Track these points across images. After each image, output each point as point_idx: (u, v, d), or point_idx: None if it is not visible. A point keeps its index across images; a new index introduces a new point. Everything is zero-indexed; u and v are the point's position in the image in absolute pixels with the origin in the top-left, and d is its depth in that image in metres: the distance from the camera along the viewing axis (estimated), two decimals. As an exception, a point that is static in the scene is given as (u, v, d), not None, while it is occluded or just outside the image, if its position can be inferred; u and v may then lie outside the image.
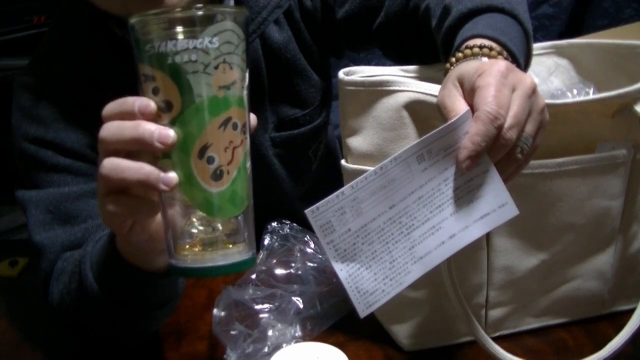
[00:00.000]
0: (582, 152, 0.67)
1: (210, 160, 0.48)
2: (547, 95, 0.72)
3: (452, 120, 0.52)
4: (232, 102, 0.48)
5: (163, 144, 0.47)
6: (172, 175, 0.48)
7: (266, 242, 0.83)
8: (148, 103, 0.48)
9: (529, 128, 0.53)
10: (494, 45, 0.58)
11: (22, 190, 0.78)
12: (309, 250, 0.83)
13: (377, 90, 0.65)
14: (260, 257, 0.82)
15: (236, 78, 0.48)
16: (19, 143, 0.78)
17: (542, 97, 0.54)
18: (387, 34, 0.84)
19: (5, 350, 0.80)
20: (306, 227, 0.80)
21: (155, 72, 0.47)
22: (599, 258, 0.72)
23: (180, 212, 0.50)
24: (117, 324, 0.70)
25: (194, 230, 0.51)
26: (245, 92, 0.50)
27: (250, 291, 0.76)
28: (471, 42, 0.59)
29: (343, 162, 0.69)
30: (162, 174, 0.48)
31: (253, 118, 0.52)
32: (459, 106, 0.53)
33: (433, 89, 0.63)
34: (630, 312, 0.64)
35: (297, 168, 0.94)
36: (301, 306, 0.75)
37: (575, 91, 0.73)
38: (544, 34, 1.70)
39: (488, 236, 0.68)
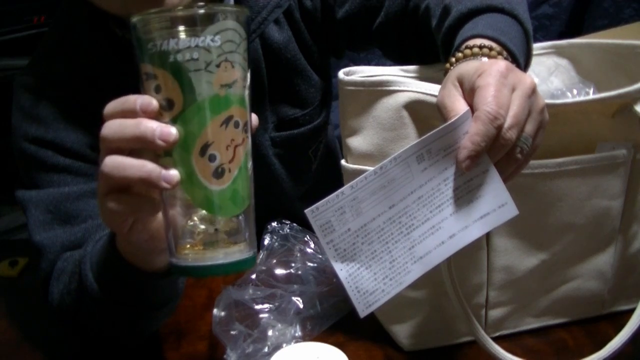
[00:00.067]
0: (582, 152, 0.67)
1: (212, 158, 0.48)
2: (547, 95, 0.72)
3: (452, 120, 0.52)
4: (233, 100, 0.48)
5: (165, 141, 0.47)
6: (174, 173, 0.48)
7: (266, 242, 0.83)
8: (150, 101, 0.48)
9: (529, 128, 0.53)
10: (493, 45, 0.58)
11: (22, 190, 0.78)
12: (309, 250, 0.83)
13: (377, 90, 0.65)
14: (260, 257, 0.82)
15: (238, 77, 0.48)
16: (19, 143, 0.78)
17: (542, 97, 0.54)
18: (387, 34, 0.84)
19: (5, 350, 0.80)
20: (306, 227, 0.80)
21: (157, 70, 0.47)
22: (599, 258, 0.72)
23: (182, 211, 0.50)
24: (117, 324, 0.70)
25: (195, 230, 0.51)
26: (246, 92, 0.50)
27: (250, 291, 0.76)
28: (471, 42, 0.59)
29: (343, 162, 0.69)
30: (163, 172, 0.48)
31: (254, 118, 0.52)
32: (459, 106, 0.53)
33: (433, 89, 0.63)
34: (630, 312, 0.64)
35: (297, 168, 0.94)
36: (301, 306, 0.75)
37: (575, 91, 0.73)
38: (544, 34, 1.70)
39: (488, 236, 0.68)
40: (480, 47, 0.57)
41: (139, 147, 0.49)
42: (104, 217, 0.54)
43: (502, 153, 0.52)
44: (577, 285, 0.73)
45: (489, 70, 0.52)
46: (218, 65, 0.47)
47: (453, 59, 0.59)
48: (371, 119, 0.65)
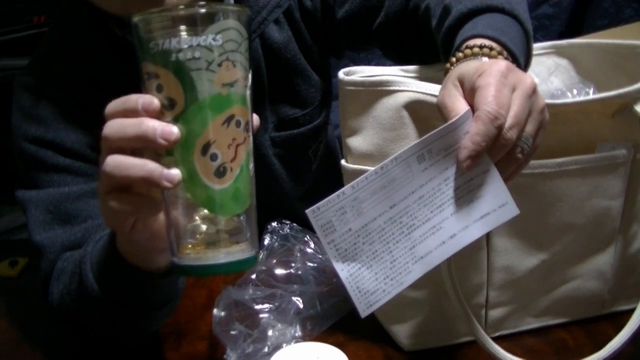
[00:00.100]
0: (582, 152, 0.67)
1: (214, 157, 0.48)
2: (547, 95, 0.72)
3: (453, 120, 0.52)
4: (235, 99, 0.48)
5: (166, 140, 0.47)
6: (175, 172, 0.48)
7: (266, 242, 0.83)
8: (151, 100, 0.48)
9: (529, 128, 0.53)
10: (494, 45, 0.58)
11: (22, 190, 0.78)
12: (309, 250, 0.83)
13: (377, 90, 0.65)
14: (260, 257, 0.82)
15: (239, 76, 0.48)
16: (19, 143, 0.78)
17: (542, 97, 0.55)
18: (387, 34, 0.84)
19: (5, 350, 0.80)
20: (306, 227, 0.80)
21: (158, 69, 0.47)
22: (599, 258, 0.72)
23: (183, 210, 0.50)
24: (117, 324, 0.70)
25: (197, 229, 0.51)
26: (248, 92, 0.50)
27: (250, 291, 0.76)
28: (471, 42, 0.59)
29: (343, 162, 0.69)
30: (165, 171, 0.48)
31: (256, 118, 0.53)
32: (459, 106, 0.53)
33: (433, 89, 0.63)
34: (630, 312, 0.64)
35: (297, 168, 0.94)
36: (301, 306, 0.75)
37: (575, 91, 0.73)
38: (544, 34, 1.70)
39: (488, 236, 0.68)
40: (481, 47, 0.57)
41: (141, 146, 0.49)
42: (105, 216, 0.54)
43: (502, 153, 0.52)
44: (577, 285, 0.73)
45: (490, 70, 0.52)
46: (220, 65, 0.47)
47: (453, 59, 0.59)
48: (371, 119, 0.65)
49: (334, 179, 0.71)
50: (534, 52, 0.68)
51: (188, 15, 0.46)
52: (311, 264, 0.81)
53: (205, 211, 0.50)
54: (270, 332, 0.71)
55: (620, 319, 0.69)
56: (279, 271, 0.80)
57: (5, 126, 0.82)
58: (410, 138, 0.65)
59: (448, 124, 0.52)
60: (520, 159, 0.53)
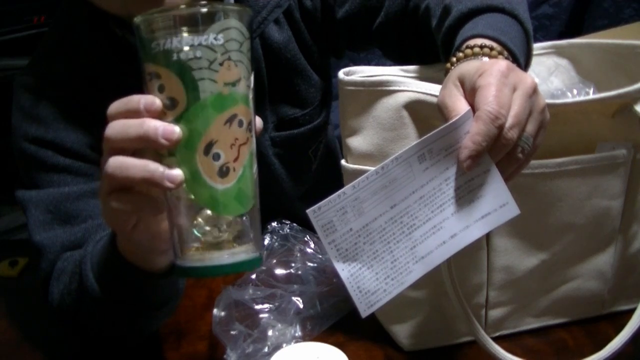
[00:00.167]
0: (582, 152, 0.67)
1: (216, 157, 0.48)
2: (547, 95, 0.72)
3: (453, 120, 0.52)
4: (237, 99, 0.48)
5: (168, 140, 0.47)
6: (177, 173, 0.48)
7: (266, 242, 0.83)
8: (153, 100, 0.48)
9: (530, 128, 0.53)
10: (494, 45, 0.58)
11: (22, 190, 0.78)
12: (309, 250, 0.83)
13: (377, 90, 0.65)
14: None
15: (241, 76, 0.48)
16: (19, 143, 0.78)
17: (542, 96, 0.55)
18: (387, 34, 0.84)
19: (5, 350, 0.80)
20: (306, 227, 0.80)
21: (160, 69, 0.47)
22: (599, 258, 0.72)
23: (186, 212, 0.50)
24: (117, 323, 0.70)
25: (200, 230, 0.50)
26: (250, 92, 0.50)
27: (250, 291, 0.76)
28: (472, 42, 0.59)
29: (343, 162, 0.69)
30: (167, 171, 0.48)
31: (259, 122, 0.52)
32: (460, 106, 0.53)
33: (433, 89, 0.63)
34: (631, 312, 0.64)
35: (297, 168, 0.94)
36: (301, 306, 0.75)
37: (575, 91, 0.73)
38: (544, 34, 1.70)
39: (488, 236, 0.68)
40: (481, 46, 0.57)
41: (142, 146, 0.49)
42: (107, 216, 0.54)
43: (503, 153, 0.52)
44: (577, 285, 0.73)
45: (490, 70, 0.52)
46: (221, 64, 0.47)
47: (454, 59, 0.59)
48: (371, 119, 0.65)
49: (334, 179, 0.71)
50: (534, 52, 0.68)
51: (189, 15, 0.46)
52: (311, 264, 0.81)
53: (208, 212, 0.50)
54: (270, 332, 0.71)
55: (620, 319, 0.69)
56: (279, 271, 0.80)
57: (5, 126, 0.82)
58: (410, 138, 0.65)
59: (448, 123, 0.52)
60: (520, 159, 0.53)
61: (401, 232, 0.55)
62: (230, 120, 0.48)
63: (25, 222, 0.77)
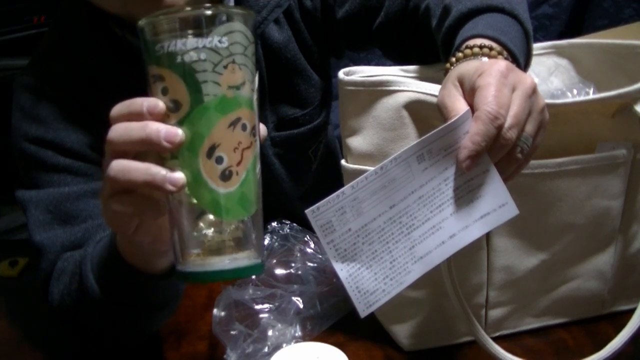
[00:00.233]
0: (582, 152, 0.67)
1: (219, 160, 0.47)
2: (547, 95, 0.72)
3: (452, 120, 0.52)
4: (241, 102, 0.48)
5: (171, 142, 0.47)
6: (179, 176, 0.47)
7: (266, 242, 0.83)
8: (156, 103, 0.47)
9: (529, 128, 0.53)
10: (494, 45, 0.58)
11: (22, 190, 0.78)
12: (309, 250, 0.83)
13: (377, 90, 0.65)
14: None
15: (245, 79, 0.48)
16: (19, 143, 0.78)
17: (542, 97, 0.55)
18: (387, 34, 0.84)
19: (5, 350, 0.80)
20: (306, 227, 0.80)
21: (163, 71, 0.47)
22: (599, 258, 0.72)
23: (187, 216, 0.50)
24: (117, 324, 0.70)
25: (202, 235, 0.50)
26: (255, 95, 0.50)
27: (250, 291, 0.76)
28: (471, 42, 0.59)
29: (343, 162, 0.69)
30: (168, 174, 0.47)
31: (263, 128, 0.52)
32: (459, 106, 0.53)
33: (433, 89, 0.63)
34: (631, 312, 0.64)
35: (297, 168, 0.94)
36: (301, 306, 0.75)
37: (575, 91, 0.73)
38: (544, 34, 1.70)
39: (488, 236, 0.68)
40: (481, 47, 0.57)
41: (145, 149, 0.48)
42: (108, 219, 0.54)
43: (502, 153, 0.52)
44: (577, 285, 0.73)
45: (490, 70, 0.52)
46: (225, 67, 0.46)
47: (453, 59, 0.59)
48: (371, 119, 0.65)
49: (334, 179, 0.71)
50: (534, 52, 0.68)
51: (194, 17, 0.46)
52: (311, 264, 0.81)
53: (210, 217, 0.49)
54: (270, 332, 0.71)
55: (620, 319, 0.69)
56: (279, 271, 0.80)
57: (5, 126, 0.82)
58: (410, 138, 0.65)
59: (448, 123, 0.52)
60: (520, 159, 0.53)
61: (400, 232, 0.55)
62: (234, 124, 0.47)
63: (25, 222, 0.77)
